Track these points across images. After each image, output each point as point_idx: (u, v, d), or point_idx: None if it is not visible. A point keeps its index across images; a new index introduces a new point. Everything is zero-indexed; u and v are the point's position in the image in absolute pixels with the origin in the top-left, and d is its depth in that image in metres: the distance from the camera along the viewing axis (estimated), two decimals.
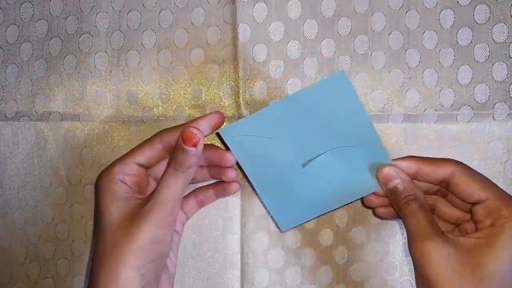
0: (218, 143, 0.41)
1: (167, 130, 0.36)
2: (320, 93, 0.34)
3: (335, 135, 0.35)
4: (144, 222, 0.32)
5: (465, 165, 0.34)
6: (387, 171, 0.35)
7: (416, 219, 0.32)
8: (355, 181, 0.36)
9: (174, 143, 0.35)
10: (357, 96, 0.34)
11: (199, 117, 0.37)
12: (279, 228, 0.40)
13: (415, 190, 0.34)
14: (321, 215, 0.38)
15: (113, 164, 0.35)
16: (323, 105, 0.34)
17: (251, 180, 0.37)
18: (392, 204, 0.35)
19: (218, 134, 0.39)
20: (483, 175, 0.34)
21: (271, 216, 0.40)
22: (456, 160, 0.34)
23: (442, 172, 0.34)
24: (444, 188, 0.35)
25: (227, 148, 0.36)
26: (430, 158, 0.35)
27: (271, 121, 0.35)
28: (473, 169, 0.34)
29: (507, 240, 0.30)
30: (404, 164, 0.35)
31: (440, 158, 0.35)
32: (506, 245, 0.30)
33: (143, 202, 0.33)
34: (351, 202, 0.38)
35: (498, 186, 0.33)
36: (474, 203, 0.33)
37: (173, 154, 0.34)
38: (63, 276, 0.42)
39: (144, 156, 0.35)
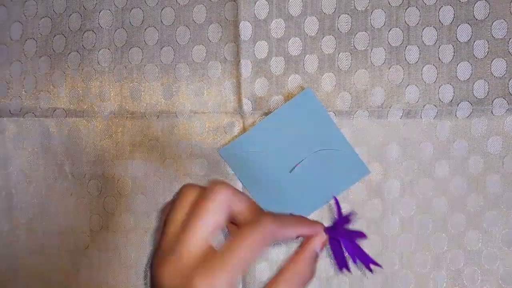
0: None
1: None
2: (293, 109, 0.40)
3: (312, 143, 0.40)
4: None
5: None
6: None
7: None
8: (336, 175, 0.41)
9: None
10: (324, 109, 0.40)
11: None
12: None
13: None
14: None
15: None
16: (298, 119, 0.40)
17: (249, 192, 0.41)
18: None
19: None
20: None
21: None
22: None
23: None
24: None
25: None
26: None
27: (259, 137, 0.40)
28: None
29: None
30: None
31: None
32: None
33: None
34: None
35: None
36: None
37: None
38: (68, 269, 0.42)
39: None
